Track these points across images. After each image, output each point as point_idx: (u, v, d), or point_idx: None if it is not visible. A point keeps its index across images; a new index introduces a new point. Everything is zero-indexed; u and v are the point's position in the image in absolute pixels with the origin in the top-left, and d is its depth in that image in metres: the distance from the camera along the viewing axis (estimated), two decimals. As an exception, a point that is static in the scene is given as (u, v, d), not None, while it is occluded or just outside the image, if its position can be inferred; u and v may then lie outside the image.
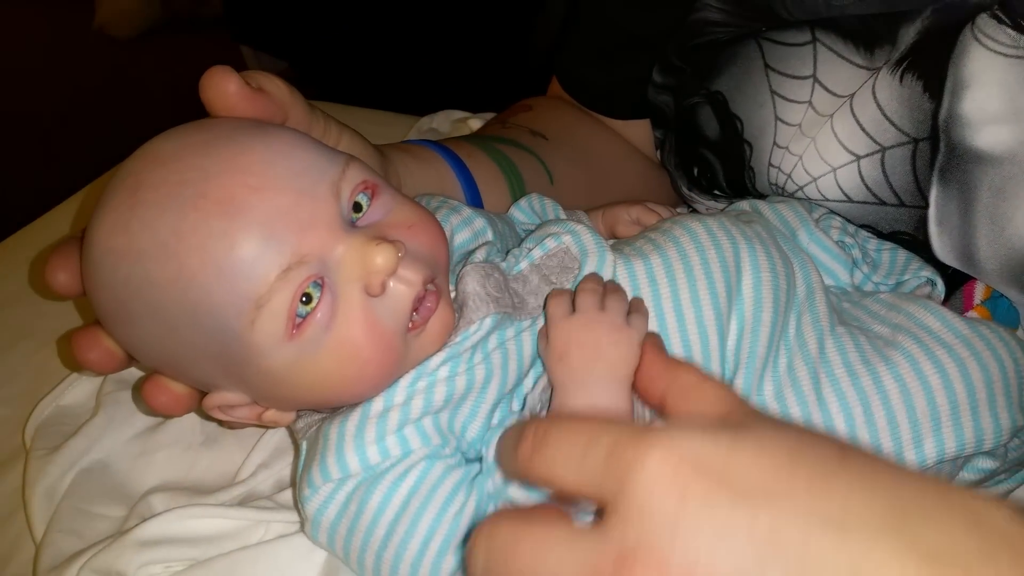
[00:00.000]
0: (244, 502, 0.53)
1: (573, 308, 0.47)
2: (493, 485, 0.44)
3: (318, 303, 0.42)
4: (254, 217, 0.40)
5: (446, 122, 0.94)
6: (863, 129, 0.55)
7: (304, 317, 0.42)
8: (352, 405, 0.46)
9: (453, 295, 0.49)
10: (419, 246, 0.45)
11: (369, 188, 0.45)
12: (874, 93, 0.54)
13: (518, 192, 0.62)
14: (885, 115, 0.53)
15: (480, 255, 0.50)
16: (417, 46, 1.82)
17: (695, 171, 0.66)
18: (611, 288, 0.48)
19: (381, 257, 0.42)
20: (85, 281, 0.45)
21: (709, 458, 0.26)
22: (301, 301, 0.42)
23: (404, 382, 0.45)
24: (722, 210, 0.60)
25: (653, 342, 0.41)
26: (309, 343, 0.42)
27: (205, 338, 0.42)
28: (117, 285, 0.42)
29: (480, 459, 0.45)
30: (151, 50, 2.54)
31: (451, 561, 0.43)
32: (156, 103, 1.97)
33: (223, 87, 0.45)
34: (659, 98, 0.67)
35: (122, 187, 0.42)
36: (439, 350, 0.46)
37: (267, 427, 0.51)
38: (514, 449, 0.31)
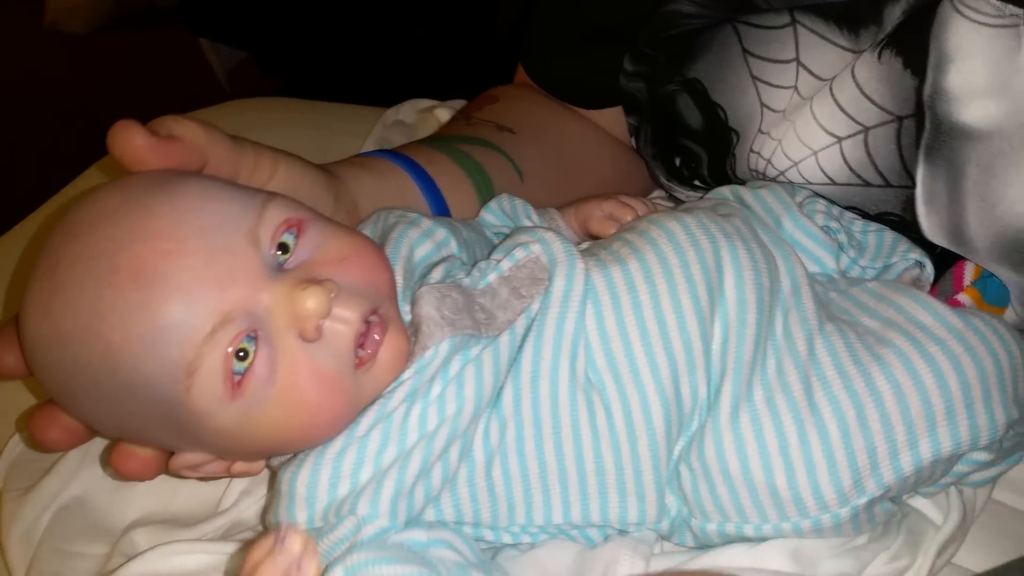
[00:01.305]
0: (229, 532, 0.52)
1: None
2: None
3: (254, 358, 0.41)
4: (169, 284, 0.40)
5: (412, 112, 0.92)
6: (843, 110, 0.53)
7: (243, 374, 0.41)
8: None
9: (409, 318, 0.47)
10: (354, 280, 0.43)
11: (293, 225, 0.44)
12: (853, 73, 0.52)
13: (486, 194, 0.60)
14: (865, 94, 0.52)
15: (437, 274, 0.48)
16: (380, 33, 1.78)
17: (676, 161, 0.64)
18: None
19: (311, 301, 0.41)
20: (28, 363, 0.45)
21: None
22: (238, 357, 0.41)
23: (366, 422, 0.44)
24: (701, 198, 0.59)
25: None
26: (253, 399, 0.42)
27: (149, 408, 0.42)
28: (53, 368, 0.43)
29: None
30: (106, 45, 2.48)
31: None
32: (114, 99, 1.92)
33: (129, 142, 0.44)
34: (631, 85, 0.66)
35: (42, 267, 0.42)
36: (397, 379, 0.45)
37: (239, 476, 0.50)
38: None
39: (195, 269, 0.40)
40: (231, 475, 0.47)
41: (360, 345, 0.43)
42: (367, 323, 0.43)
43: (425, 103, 0.92)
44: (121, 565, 0.48)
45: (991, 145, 0.49)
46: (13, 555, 0.52)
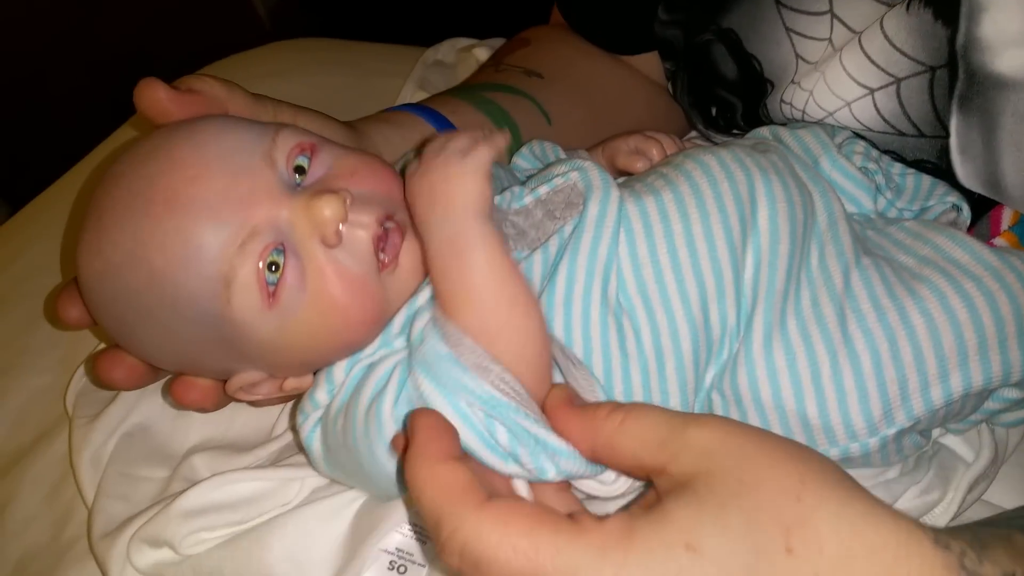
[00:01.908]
0: (280, 457, 0.55)
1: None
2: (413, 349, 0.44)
3: (284, 267, 0.44)
4: (198, 205, 0.43)
5: (451, 52, 0.92)
6: (873, 62, 0.53)
7: (276, 284, 0.44)
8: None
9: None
10: (367, 189, 0.46)
11: (306, 149, 0.47)
12: (882, 25, 0.52)
13: (513, 139, 0.61)
14: (895, 46, 0.51)
15: None
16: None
17: (713, 111, 0.64)
18: (462, 132, 0.47)
19: (328, 209, 0.43)
20: (88, 308, 0.49)
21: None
22: (270, 270, 0.44)
23: (399, 322, 0.46)
24: (742, 137, 0.59)
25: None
26: (288, 306, 0.44)
27: (197, 328, 0.45)
28: (109, 302, 0.46)
29: None
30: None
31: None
32: (157, 39, 1.93)
33: (153, 97, 0.48)
34: (667, 32, 0.65)
35: (89, 217, 0.46)
36: (427, 283, 0.46)
37: (292, 397, 0.53)
38: (438, 552, 0.34)
39: (220, 191, 0.43)
40: (284, 393, 0.49)
41: (381, 249, 0.46)
42: (385, 229, 0.46)
43: (464, 42, 0.92)
44: (182, 491, 0.52)
45: None
46: (84, 477, 0.55)
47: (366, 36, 1.09)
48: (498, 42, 0.89)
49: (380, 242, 0.46)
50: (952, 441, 0.52)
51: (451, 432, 0.38)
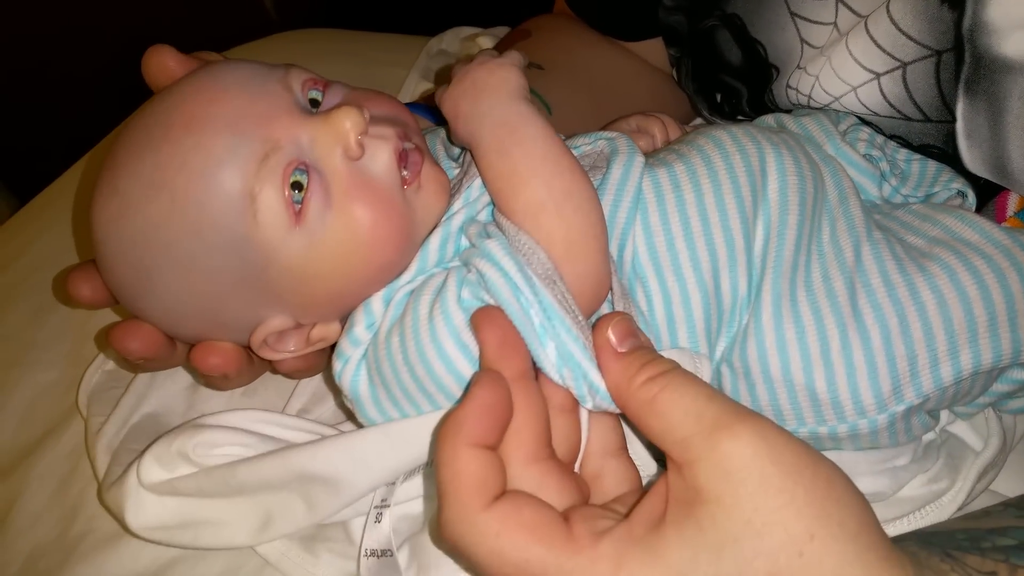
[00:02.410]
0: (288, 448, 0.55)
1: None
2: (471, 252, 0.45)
3: (308, 184, 0.43)
4: (218, 123, 0.43)
5: (455, 41, 0.92)
6: (878, 46, 0.52)
7: (301, 202, 0.43)
8: None
9: (456, 171, 0.50)
10: (382, 110, 0.47)
11: (318, 84, 0.47)
12: (888, 9, 0.51)
13: None
14: (901, 30, 0.51)
15: None
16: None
17: (718, 97, 0.64)
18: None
19: (348, 120, 0.43)
20: (104, 272, 0.47)
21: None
22: (294, 189, 0.43)
23: (434, 243, 0.46)
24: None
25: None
26: (315, 223, 0.43)
27: (222, 258, 0.44)
28: (127, 248, 0.44)
29: None
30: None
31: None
32: (163, 26, 1.93)
33: (162, 61, 0.48)
34: (671, 18, 0.65)
35: (105, 165, 0.45)
36: (449, 211, 0.47)
37: (316, 361, 0.51)
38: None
39: (239, 108, 0.43)
40: (311, 346, 0.48)
41: (403, 166, 0.46)
42: (404, 148, 0.46)
43: (468, 31, 0.92)
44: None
45: None
46: (99, 463, 0.54)
47: (371, 24, 1.09)
48: (502, 31, 0.89)
49: (402, 159, 0.45)
50: (961, 429, 0.52)
51: (503, 410, 0.38)
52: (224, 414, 0.51)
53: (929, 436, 0.52)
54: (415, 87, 0.86)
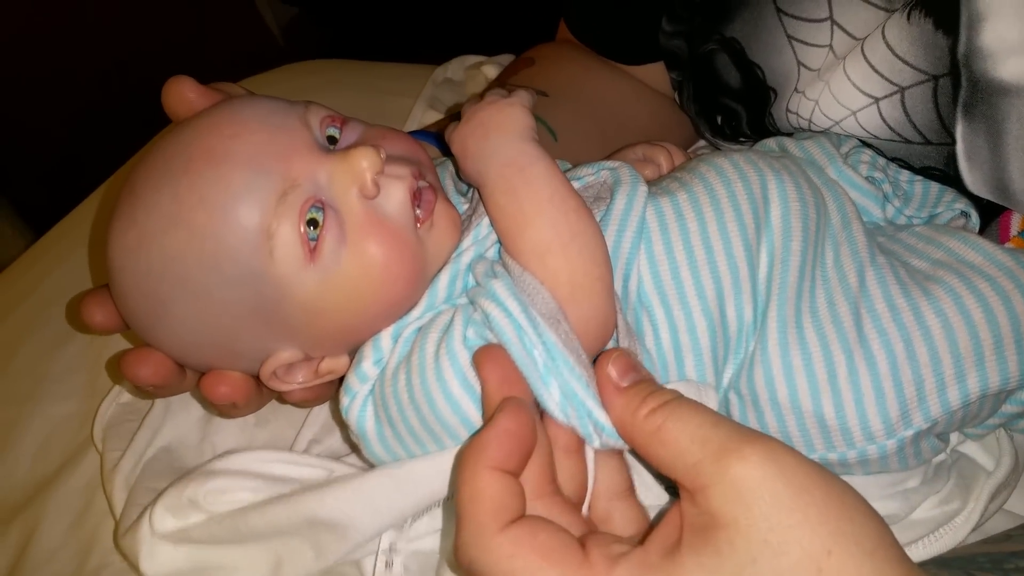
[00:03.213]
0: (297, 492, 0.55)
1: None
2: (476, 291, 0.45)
3: (324, 221, 0.44)
4: (238, 157, 0.43)
5: (460, 69, 0.93)
6: (876, 71, 0.53)
7: (316, 240, 0.44)
8: None
9: (466, 206, 0.51)
10: (398, 149, 0.48)
11: (336, 121, 0.48)
12: (883, 35, 0.52)
13: None
14: (897, 55, 0.51)
15: None
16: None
17: (718, 119, 0.64)
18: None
19: (365, 160, 0.44)
20: (118, 300, 0.48)
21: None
22: (310, 226, 0.44)
23: (443, 280, 0.47)
24: (750, 146, 0.59)
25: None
26: (329, 261, 0.44)
27: (237, 293, 0.44)
28: (141, 279, 0.45)
29: None
30: (162, 1, 2.52)
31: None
32: (170, 55, 1.95)
33: (181, 91, 0.49)
34: (671, 43, 0.66)
35: (122, 196, 0.46)
36: (463, 249, 0.47)
37: (324, 392, 0.51)
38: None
39: (259, 144, 0.44)
40: (320, 378, 0.48)
41: (416, 205, 0.46)
42: (419, 187, 0.47)
43: (473, 59, 0.93)
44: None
45: None
46: (117, 502, 0.55)
47: (377, 51, 1.10)
48: (506, 58, 0.90)
49: (416, 198, 0.46)
50: (971, 449, 0.52)
51: (527, 437, 0.38)
52: (232, 456, 0.52)
53: (939, 457, 0.52)
54: (422, 116, 0.87)
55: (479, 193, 0.48)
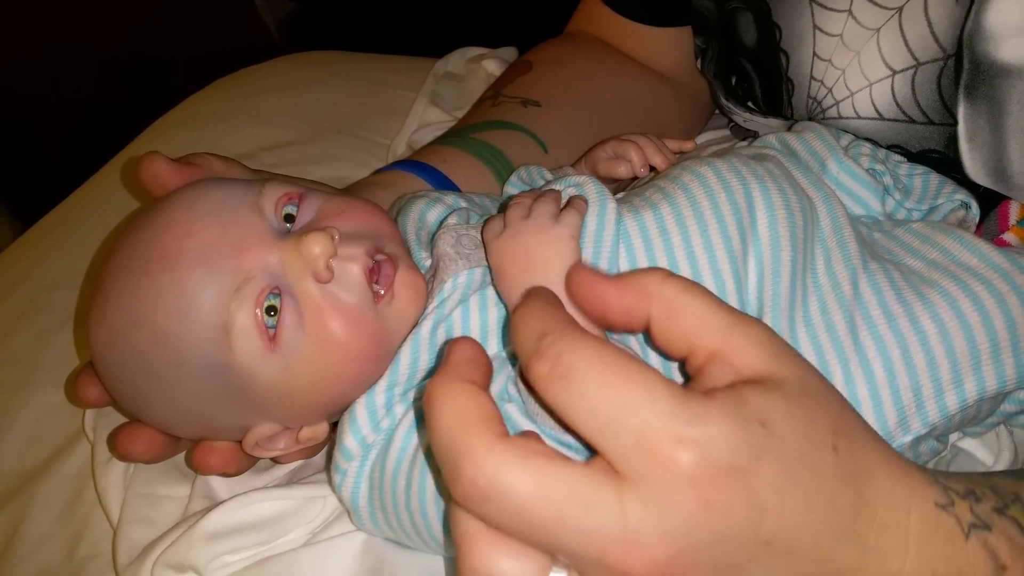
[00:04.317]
0: (295, 475, 0.55)
1: (504, 224, 0.47)
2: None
3: (281, 309, 0.45)
4: (191, 257, 0.45)
5: (461, 62, 0.92)
6: (907, 44, 0.52)
7: (275, 327, 0.45)
8: None
9: (428, 263, 0.50)
10: (355, 226, 0.48)
11: (293, 198, 0.48)
12: (926, 8, 0.51)
13: (506, 177, 0.61)
14: (933, 31, 0.51)
15: (453, 219, 0.51)
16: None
17: (733, 80, 0.64)
18: (542, 195, 0.48)
19: (317, 246, 0.44)
20: (103, 383, 0.50)
21: (737, 467, 0.28)
22: (268, 314, 0.44)
23: (404, 355, 0.46)
24: (750, 143, 0.59)
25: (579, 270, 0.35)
26: (290, 347, 0.45)
27: (204, 382, 0.46)
28: (118, 370, 0.47)
29: None
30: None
31: None
32: (167, 51, 1.95)
33: (153, 169, 0.50)
34: (701, 2, 0.66)
35: (95, 289, 0.48)
36: (425, 316, 0.47)
37: (311, 451, 0.53)
38: (528, 364, 0.31)
39: (210, 241, 0.45)
40: (301, 444, 0.50)
41: (375, 281, 0.46)
42: (376, 262, 0.47)
43: (474, 52, 0.92)
44: (203, 510, 0.51)
45: None
46: (111, 499, 0.55)
47: (374, 46, 1.09)
48: (508, 51, 0.90)
49: (373, 274, 0.47)
50: (970, 444, 0.52)
51: (486, 364, 0.33)
52: (223, 510, 0.51)
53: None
54: (423, 112, 0.87)
55: (506, 309, 0.47)
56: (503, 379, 0.45)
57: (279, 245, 0.45)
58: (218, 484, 0.54)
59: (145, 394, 0.48)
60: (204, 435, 0.51)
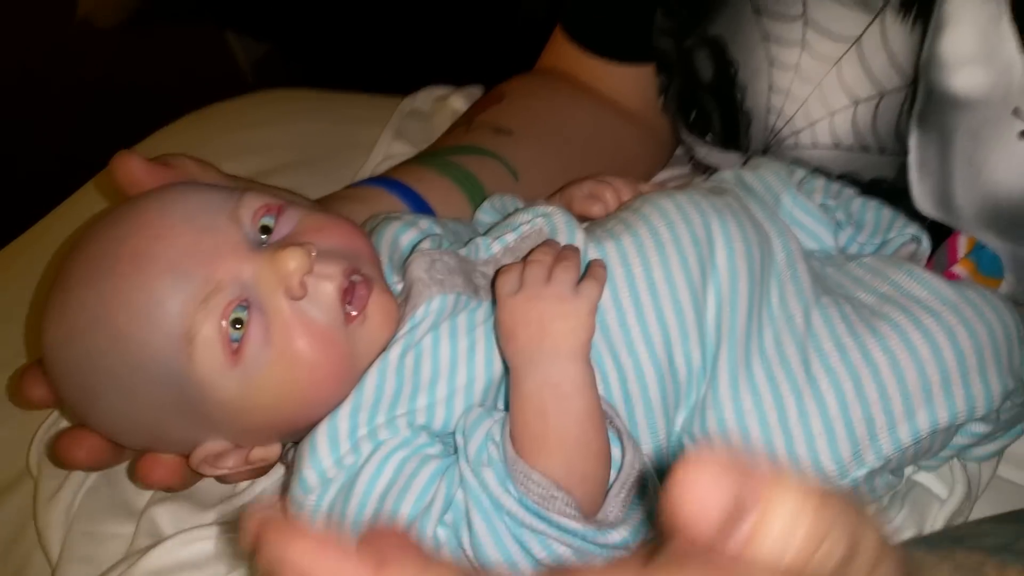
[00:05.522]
0: (232, 524, 0.53)
1: (521, 283, 0.46)
2: (466, 473, 0.43)
3: (249, 322, 0.43)
4: (161, 263, 0.43)
5: (428, 101, 0.93)
6: (870, 74, 0.53)
7: (240, 340, 0.43)
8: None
9: (400, 286, 0.49)
10: (333, 244, 0.46)
11: (272, 209, 0.47)
12: (885, 38, 0.52)
13: (478, 200, 0.61)
14: (894, 61, 0.52)
15: (427, 244, 0.50)
16: (403, 16, 1.80)
17: (692, 115, 0.65)
18: (562, 256, 0.47)
19: (293, 261, 0.43)
20: (53, 384, 0.48)
21: None
22: (234, 327, 0.43)
23: (371, 379, 0.45)
24: (707, 177, 0.60)
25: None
26: (252, 363, 0.44)
27: (160, 390, 0.44)
28: (72, 370, 0.46)
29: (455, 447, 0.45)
30: (135, 39, 2.52)
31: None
32: (141, 91, 1.95)
33: (128, 167, 0.49)
34: (662, 41, 0.67)
35: (55, 285, 0.46)
36: (395, 340, 0.46)
37: (259, 472, 0.51)
38: None
39: (183, 247, 0.44)
40: (249, 464, 0.48)
41: (348, 302, 0.45)
42: (352, 282, 0.45)
43: (440, 91, 0.93)
44: (146, 547, 0.50)
45: (978, 113, 0.49)
46: (52, 536, 0.53)
47: (348, 89, 1.10)
48: (474, 90, 0.91)
49: (347, 295, 0.45)
50: (925, 478, 0.52)
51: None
52: (163, 548, 0.50)
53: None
54: (388, 146, 0.87)
55: (509, 380, 0.45)
56: (481, 437, 0.43)
57: (253, 257, 0.44)
58: (164, 522, 0.52)
59: (95, 397, 0.46)
60: (151, 446, 0.49)
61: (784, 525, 0.23)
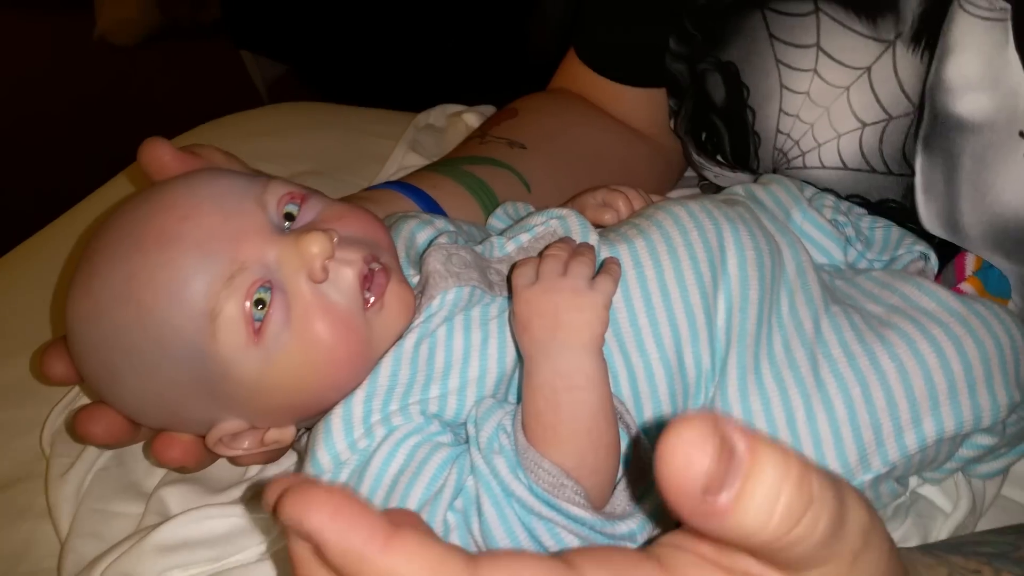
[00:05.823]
0: (256, 496, 0.54)
1: (537, 276, 0.47)
2: (477, 460, 0.43)
3: (271, 303, 0.44)
4: (188, 241, 0.44)
5: (442, 117, 0.95)
6: (878, 100, 0.55)
7: (262, 320, 0.44)
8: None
9: (416, 279, 0.50)
10: (353, 231, 0.48)
11: (296, 197, 0.48)
12: (895, 67, 0.54)
13: (491, 209, 0.63)
14: (903, 88, 0.54)
15: (443, 240, 0.51)
16: (416, 41, 1.83)
17: (703, 136, 0.67)
18: (578, 251, 0.48)
19: (316, 245, 0.44)
20: (75, 360, 0.49)
21: None
22: (256, 307, 0.44)
23: (385, 366, 0.46)
24: (727, 165, 0.61)
25: None
26: (273, 342, 0.45)
27: (181, 368, 0.45)
28: (95, 346, 0.47)
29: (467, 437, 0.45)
30: (152, 58, 2.56)
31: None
32: (158, 110, 1.98)
33: (156, 153, 0.51)
34: (674, 66, 0.68)
35: (81, 262, 0.47)
36: (410, 329, 0.47)
37: (272, 456, 0.52)
38: None
39: (210, 227, 0.45)
40: (266, 446, 0.49)
41: (367, 288, 0.46)
42: (371, 270, 0.47)
43: (454, 108, 0.95)
44: (154, 527, 0.50)
45: (983, 137, 0.50)
46: (61, 514, 0.54)
47: (361, 105, 1.12)
48: (486, 108, 0.93)
49: (366, 281, 0.46)
50: (930, 491, 0.52)
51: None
52: (174, 524, 0.50)
53: (898, 499, 0.52)
54: (403, 158, 0.89)
55: (523, 370, 0.45)
56: (492, 426, 0.44)
57: (278, 240, 0.45)
58: (173, 503, 0.53)
59: (117, 374, 0.47)
60: (168, 425, 0.49)
61: (767, 492, 0.23)
